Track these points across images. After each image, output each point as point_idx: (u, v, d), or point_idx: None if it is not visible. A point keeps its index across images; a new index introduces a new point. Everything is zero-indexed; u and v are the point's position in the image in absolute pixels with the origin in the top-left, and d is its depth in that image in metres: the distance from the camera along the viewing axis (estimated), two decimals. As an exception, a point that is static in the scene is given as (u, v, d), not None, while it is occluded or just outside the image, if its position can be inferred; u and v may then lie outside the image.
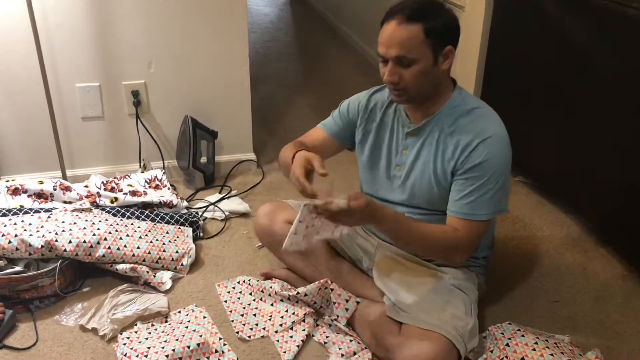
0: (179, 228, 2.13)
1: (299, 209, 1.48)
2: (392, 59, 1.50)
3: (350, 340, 1.71)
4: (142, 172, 2.46)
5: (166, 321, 1.79)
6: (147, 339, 1.71)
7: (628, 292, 1.97)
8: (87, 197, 2.19)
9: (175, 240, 2.05)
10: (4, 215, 1.99)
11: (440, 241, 1.56)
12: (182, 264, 2.00)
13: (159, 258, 1.96)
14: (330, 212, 1.40)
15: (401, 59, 1.49)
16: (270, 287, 1.86)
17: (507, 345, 1.63)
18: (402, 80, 1.52)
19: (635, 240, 2.01)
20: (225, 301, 1.88)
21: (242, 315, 1.82)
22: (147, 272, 1.92)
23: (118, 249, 1.91)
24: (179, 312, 1.83)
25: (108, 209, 2.13)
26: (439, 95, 1.60)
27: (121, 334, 1.73)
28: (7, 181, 2.20)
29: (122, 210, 2.12)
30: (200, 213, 2.32)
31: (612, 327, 1.82)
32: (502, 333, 1.70)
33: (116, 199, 2.19)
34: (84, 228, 1.92)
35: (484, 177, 1.53)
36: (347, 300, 1.74)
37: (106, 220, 2.00)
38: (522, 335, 1.67)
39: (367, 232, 1.84)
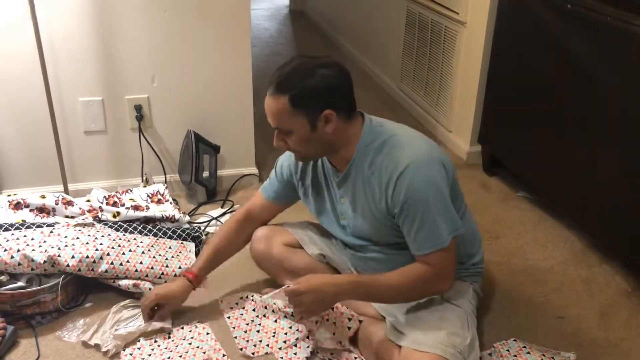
0: (182, 243, 2.12)
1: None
2: (273, 128, 1.55)
3: (355, 358, 1.70)
4: (144, 186, 2.45)
5: (169, 337, 1.78)
6: (150, 355, 1.69)
7: (633, 308, 1.96)
8: (89, 211, 2.18)
9: (178, 255, 2.04)
10: (6, 230, 1.98)
11: (418, 279, 1.54)
12: (184, 280, 1.99)
13: (162, 273, 1.95)
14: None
15: (279, 129, 1.54)
16: (274, 304, 1.85)
17: (513, 362, 1.62)
18: (289, 146, 1.56)
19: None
20: (229, 317, 1.87)
21: (245, 331, 1.81)
22: (150, 288, 1.90)
23: (121, 264, 1.90)
24: (182, 328, 1.82)
25: (110, 223, 2.12)
26: (346, 142, 1.57)
27: (124, 350, 1.71)
28: (9, 195, 2.19)
29: (125, 225, 2.11)
30: (202, 228, 2.31)
31: (618, 344, 1.81)
32: (508, 350, 1.69)
33: (118, 213, 2.19)
34: (87, 243, 1.91)
35: (420, 209, 1.49)
36: (349, 319, 1.73)
37: (109, 235, 1.99)
38: (528, 353, 1.66)
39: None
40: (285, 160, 1.82)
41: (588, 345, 1.80)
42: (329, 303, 1.56)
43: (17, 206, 2.14)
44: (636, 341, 1.82)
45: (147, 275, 1.93)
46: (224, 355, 1.71)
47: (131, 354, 1.70)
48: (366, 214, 1.61)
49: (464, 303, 1.65)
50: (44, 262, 1.82)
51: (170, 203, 2.37)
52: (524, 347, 1.69)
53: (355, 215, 1.64)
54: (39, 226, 2.01)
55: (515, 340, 1.74)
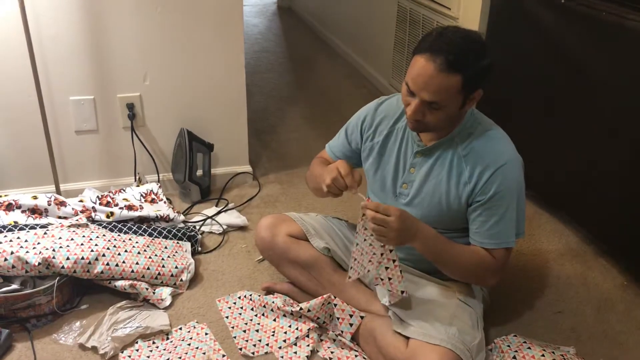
0: (178, 243, 2.10)
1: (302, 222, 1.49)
2: (421, 100, 1.46)
3: (356, 356, 1.70)
4: (138, 185, 2.42)
5: (167, 338, 1.76)
6: (148, 357, 1.67)
7: (629, 301, 1.97)
8: (82, 212, 2.15)
9: (174, 255, 2.02)
10: (-1, 231, 1.95)
11: (478, 263, 1.58)
12: (181, 280, 1.97)
13: (158, 274, 1.93)
14: (375, 213, 1.44)
15: (431, 103, 1.45)
16: (273, 302, 1.84)
17: (514, 357, 1.63)
18: (425, 118, 1.49)
19: (635, 250, 2.02)
20: (227, 317, 1.85)
21: (244, 331, 1.80)
22: (147, 288, 1.88)
23: (117, 265, 1.88)
24: (180, 328, 1.80)
25: (105, 224, 2.09)
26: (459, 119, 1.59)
27: (122, 352, 1.69)
28: (0, 197, 2.16)
29: (119, 225, 2.09)
30: (197, 227, 2.29)
31: (616, 337, 1.82)
32: (509, 345, 1.69)
33: (112, 213, 2.16)
34: (82, 244, 1.88)
35: (505, 205, 1.54)
36: (351, 315, 1.72)
37: (104, 235, 1.97)
38: (529, 348, 1.67)
39: None
40: (361, 117, 1.75)
41: (586, 338, 1.81)
42: (403, 239, 1.50)
43: (9, 207, 2.11)
44: (633, 334, 1.83)
45: (143, 276, 1.90)
46: (223, 356, 1.70)
47: (129, 356, 1.68)
48: (437, 190, 1.60)
49: (476, 305, 1.67)
50: (39, 264, 1.79)
51: (164, 202, 2.35)
52: (524, 342, 1.70)
53: (423, 188, 1.63)
54: (32, 227, 1.98)
55: (515, 336, 1.74)
